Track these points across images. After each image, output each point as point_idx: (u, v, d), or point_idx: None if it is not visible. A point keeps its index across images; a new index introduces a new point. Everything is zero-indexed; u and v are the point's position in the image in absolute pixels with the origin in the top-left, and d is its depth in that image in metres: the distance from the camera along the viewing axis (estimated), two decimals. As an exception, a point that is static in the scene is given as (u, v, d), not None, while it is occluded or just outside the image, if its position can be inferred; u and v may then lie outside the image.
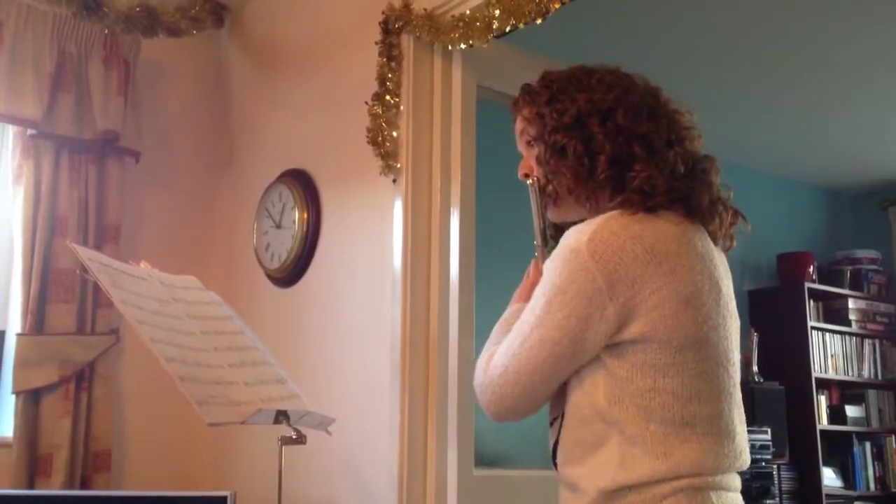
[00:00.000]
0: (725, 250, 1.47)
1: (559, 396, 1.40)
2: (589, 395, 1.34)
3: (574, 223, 1.41)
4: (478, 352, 2.42)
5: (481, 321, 2.52)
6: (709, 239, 1.39)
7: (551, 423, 1.44)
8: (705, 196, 1.39)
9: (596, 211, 1.40)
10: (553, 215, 1.51)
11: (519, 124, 1.54)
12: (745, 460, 1.38)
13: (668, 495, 1.28)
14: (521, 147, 1.56)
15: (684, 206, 1.36)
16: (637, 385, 1.30)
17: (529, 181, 1.51)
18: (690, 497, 1.28)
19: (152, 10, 3.04)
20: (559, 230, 1.52)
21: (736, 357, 1.39)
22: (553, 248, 1.52)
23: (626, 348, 1.31)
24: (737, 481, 1.37)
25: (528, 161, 1.52)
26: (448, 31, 2.49)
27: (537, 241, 1.53)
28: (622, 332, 1.30)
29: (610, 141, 1.39)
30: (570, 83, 1.46)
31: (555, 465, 1.42)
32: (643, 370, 1.30)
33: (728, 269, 1.46)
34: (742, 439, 1.37)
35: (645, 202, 1.34)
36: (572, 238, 1.33)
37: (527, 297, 1.53)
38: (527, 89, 1.52)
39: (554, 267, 1.34)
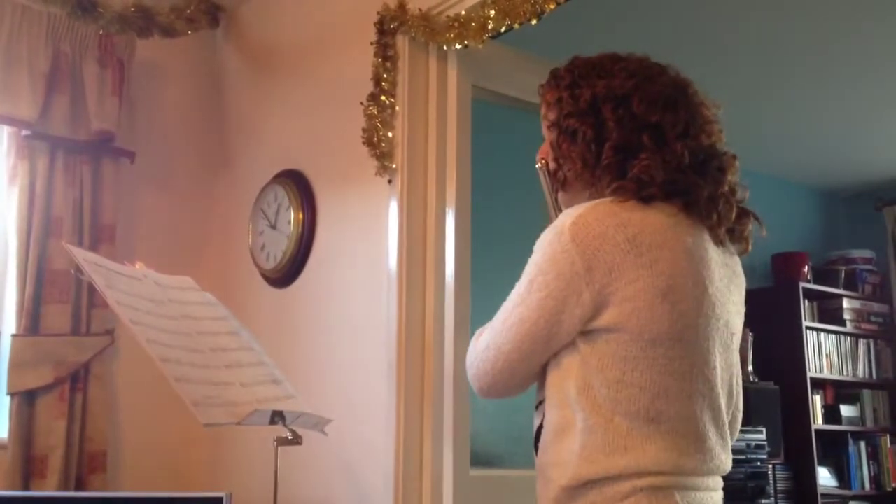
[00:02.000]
0: (740, 254, 1.44)
1: (544, 380, 1.40)
2: (564, 380, 1.34)
3: None
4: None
5: (477, 321, 2.50)
6: (707, 237, 1.36)
7: (536, 407, 1.44)
8: (705, 191, 1.35)
9: (597, 197, 1.39)
10: (563, 200, 1.50)
11: (543, 108, 1.53)
12: (720, 465, 1.35)
13: (629, 494, 1.27)
14: (544, 130, 1.54)
15: (682, 200, 1.34)
16: (606, 375, 1.29)
17: (538, 165, 1.51)
18: (651, 495, 1.26)
19: (147, 11, 3.04)
20: None
21: (718, 362, 1.35)
22: None
23: (599, 336, 1.30)
24: (710, 482, 1.35)
25: (546, 145, 1.51)
26: (443, 31, 2.49)
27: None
28: (596, 319, 1.29)
29: (619, 128, 1.37)
30: (593, 69, 1.45)
31: (536, 449, 1.42)
32: (613, 360, 1.29)
33: (738, 273, 1.43)
34: (715, 443, 1.34)
35: (639, 191, 1.32)
36: (559, 220, 1.33)
37: None
38: (553, 73, 1.51)
39: (539, 247, 1.35)
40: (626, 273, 1.27)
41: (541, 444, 1.39)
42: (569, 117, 1.42)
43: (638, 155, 1.35)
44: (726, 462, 1.37)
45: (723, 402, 1.37)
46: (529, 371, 1.40)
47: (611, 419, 1.28)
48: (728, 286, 1.39)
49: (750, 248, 1.44)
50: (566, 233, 1.30)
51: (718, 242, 1.38)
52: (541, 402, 1.42)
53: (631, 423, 1.28)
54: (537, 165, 1.51)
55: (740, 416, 1.45)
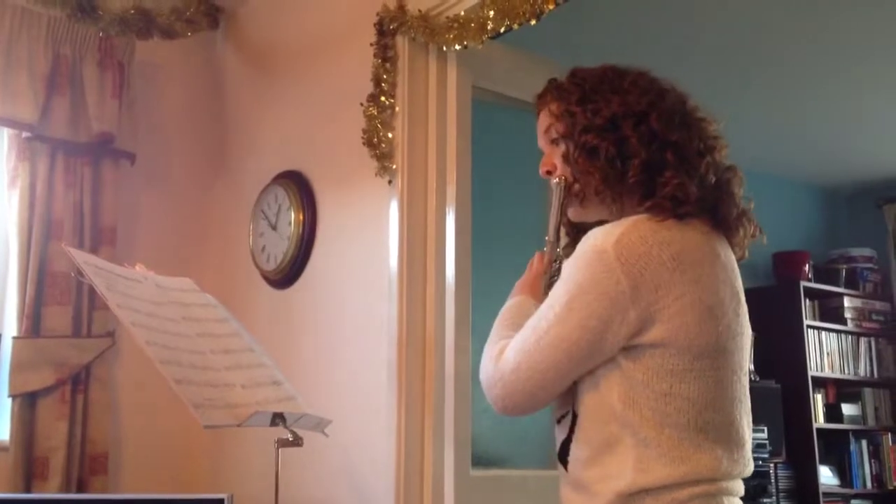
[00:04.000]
0: (739, 260, 1.46)
1: (566, 394, 1.39)
2: (604, 396, 1.33)
3: (593, 224, 1.40)
4: (475, 351, 2.43)
5: (478, 321, 2.52)
6: (730, 250, 1.40)
7: (558, 421, 1.43)
8: (733, 208, 1.39)
9: (621, 214, 1.39)
10: (574, 214, 1.50)
11: (544, 120, 1.51)
12: (751, 468, 1.39)
13: (686, 501, 1.28)
14: (542, 143, 1.53)
15: (712, 217, 1.37)
16: (653, 389, 1.30)
17: (556, 180, 1.49)
18: (705, 503, 1.29)
19: (147, 12, 3.04)
20: (575, 229, 1.52)
21: (747, 366, 1.40)
22: (565, 245, 1.52)
23: (644, 352, 1.30)
24: (742, 488, 1.38)
25: (551, 158, 1.50)
26: (443, 31, 2.50)
27: (549, 237, 1.52)
28: (641, 335, 1.30)
29: (644, 145, 1.38)
30: (602, 83, 1.45)
31: (563, 463, 1.40)
32: (659, 374, 1.30)
33: (739, 277, 1.46)
34: (749, 447, 1.38)
35: (676, 209, 1.34)
36: (599, 239, 1.32)
37: (529, 290, 1.54)
38: (556, 85, 1.51)
39: (578, 267, 1.33)
40: (673, 290, 1.28)
41: (577, 459, 1.37)
42: (586, 132, 1.41)
43: (662, 172, 1.36)
44: (752, 465, 1.40)
45: (749, 404, 1.41)
46: (561, 388, 1.38)
47: (661, 431, 1.29)
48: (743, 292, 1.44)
49: (747, 255, 1.47)
50: (610, 251, 1.29)
51: (736, 254, 1.43)
52: (563, 417, 1.41)
53: (681, 434, 1.29)
54: (554, 181, 1.49)
55: None
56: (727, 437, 1.33)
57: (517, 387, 1.37)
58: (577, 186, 1.45)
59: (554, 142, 1.49)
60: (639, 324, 1.29)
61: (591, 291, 1.30)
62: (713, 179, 1.39)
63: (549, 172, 1.51)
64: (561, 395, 1.40)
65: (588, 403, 1.36)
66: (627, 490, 1.29)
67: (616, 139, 1.39)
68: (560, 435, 1.42)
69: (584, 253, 1.33)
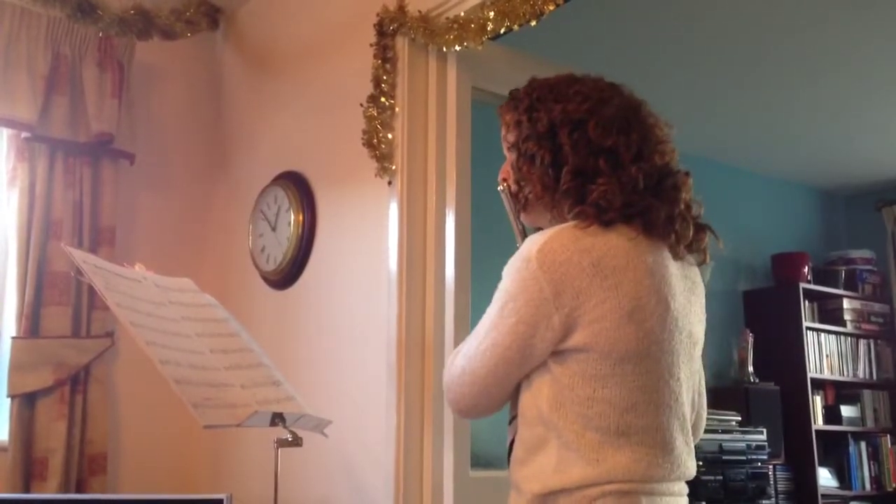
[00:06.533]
0: (698, 264, 1.48)
1: (516, 396, 1.44)
2: (535, 398, 1.38)
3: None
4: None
5: (477, 322, 2.51)
6: (667, 255, 1.40)
7: (510, 422, 1.48)
8: (662, 212, 1.39)
9: (559, 220, 1.43)
10: (526, 220, 1.55)
11: (503, 129, 1.57)
12: (686, 471, 1.40)
13: (597, 497, 1.31)
14: (505, 151, 1.58)
15: (641, 222, 1.37)
16: (577, 393, 1.33)
17: (500, 187, 1.55)
18: (618, 499, 1.31)
19: (146, 13, 3.04)
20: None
21: (683, 373, 1.40)
22: None
23: (569, 356, 1.34)
24: (676, 487, 1.39)
25: (507, 166, 1.56)
26: (443, 32, 2.50)
27: (518, 244, 1.55)
28: (566, 340, 1.34)
29: (575, 153, 1.41)
30: (550, 92, 1.48)
31: (509, 463, 1.45)
32: (583, 379, 1.33)
33: (697, 282, 1.47)
34: (683, 451, 1.39)
35: (600, 216, 1.36)
36: (526, 247, 1.37)
37: None
38: (512, 95, 1.55)
39: (508, 274, 1.39)
40: (593, 296, 1.31)
41: (513, 459, 1.43)
42: (527, 140, 1.46)
43: (595, 179, 1.39)
44: (692, 468, 1.42)
45: (687, 409, 1.42)
46: (504, 392, 1.44)
47: (583, 434, 1.33)
48: (689, 298, 1.44)
49: (708, 259, 1.48)
50: (533, 260, 1.34)
51: (677, 257, 1.42)
52: (514, 418, 1.46)
53: (602, 437, 1.32)
54: (499, 188, 1.55)
55: (704, 414, 1.52)
56: (651, 442, 1.34)
57: (463, 391, 1.45)
58: (521, 193, 1.50)
59: (508, 150, 1.54)
60: (563, 329, 1.33)
61: (520, 298, 1.35)
62: (644, 184, 1.39)
63: (504, 180, 1.56)
64: (514, 398, 1.45)
65: (524, 406, 1.41)
66: (541, 491, 1.34)
67: (552, 147, 1.43)
68: (510, 435, 1.47)
69: (514, 261, 1.39)
